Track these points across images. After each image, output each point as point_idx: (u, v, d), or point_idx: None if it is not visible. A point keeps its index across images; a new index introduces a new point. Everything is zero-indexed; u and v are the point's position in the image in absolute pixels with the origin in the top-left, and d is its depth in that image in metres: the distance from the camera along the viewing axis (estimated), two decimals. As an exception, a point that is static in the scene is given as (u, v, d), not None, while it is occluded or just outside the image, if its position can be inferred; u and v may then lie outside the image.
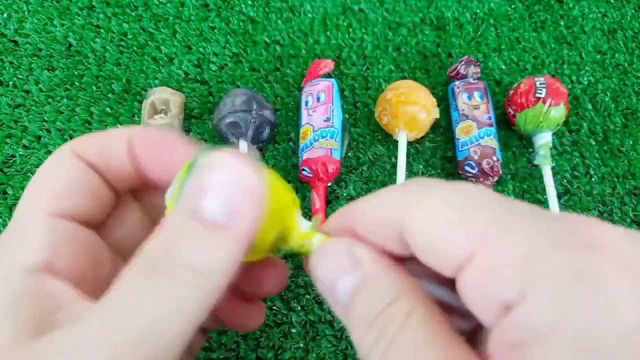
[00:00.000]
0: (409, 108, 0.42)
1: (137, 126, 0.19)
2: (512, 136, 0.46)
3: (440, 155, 0.45)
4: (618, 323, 0.10)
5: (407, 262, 0.16)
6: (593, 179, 0.44)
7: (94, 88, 0.47)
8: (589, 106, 0.48)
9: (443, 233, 0.13)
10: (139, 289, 0.13)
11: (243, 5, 0.52)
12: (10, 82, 0.47)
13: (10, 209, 0.41)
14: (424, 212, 0.13)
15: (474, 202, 0.13)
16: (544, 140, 0.43)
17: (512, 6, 0.54)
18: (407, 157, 0.44)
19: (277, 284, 0.20)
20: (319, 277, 0.16)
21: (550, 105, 0.41)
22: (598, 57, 0.51)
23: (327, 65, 0.47)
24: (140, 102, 0.46)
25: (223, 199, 0.14)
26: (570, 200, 0.43)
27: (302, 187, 0.43)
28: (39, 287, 0.14)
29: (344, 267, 0.15)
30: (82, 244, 0.16)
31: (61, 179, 0.16)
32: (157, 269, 0.13)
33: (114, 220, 0.19)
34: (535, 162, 0.43)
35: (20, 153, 0.43)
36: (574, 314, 0.11)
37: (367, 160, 0.44)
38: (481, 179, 0.42)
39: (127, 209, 0.19)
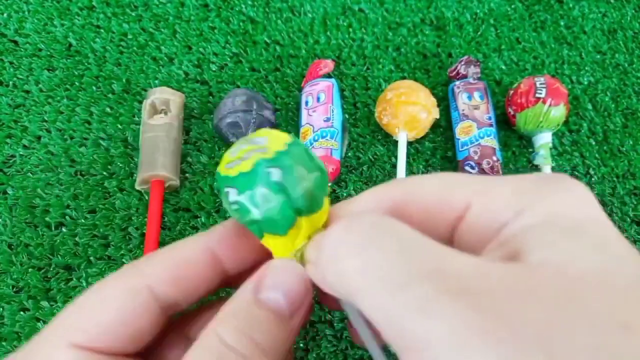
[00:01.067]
0: (409, 108, 0.42)
1: (214, 230, 0.18)
2: (512, 136, 0.46)
3: (440, 155, 0.45)
4: (592, 215, 0.14)
5: None
6: (593, 179, 0.44)
7: (94, 88, 0.47)
8: (589, 106, 0.48)
9: (445, 195, 0.16)
10: None
11: (243, 5, 0.52)
12: (10, 82, 0.47)
13: (11, 209, 0.41)
14: (425, 184, 0.16)
15: (464, 176, 0.16)
16: (544, 140, 0.43)
17: (512, 6, 0.54)
18: (407, 157, 0.44)
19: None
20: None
21: (550, 106, 0.41)
22: (598, 57, 0.51)
23: (327, 65, 0.47)
24: (140, 102, 0.46)
25: (286, 293, 0.16)
26: (570, 200, 0.43)
27: (302, 187, 0.43)
28: None
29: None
30: None
31: (112, 314, 0.15)
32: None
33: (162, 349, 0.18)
34: (535, 162, 0.43)
35: (20, 153, 0.43)
36: (557, 213, 0.14)
37: (367, 160, 0.44)
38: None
39: (175, 337, 0.19)
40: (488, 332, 0.11)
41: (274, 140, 0.17)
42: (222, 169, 0.17)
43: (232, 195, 0.16)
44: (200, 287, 0.17)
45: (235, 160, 0.17)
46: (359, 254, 0.13)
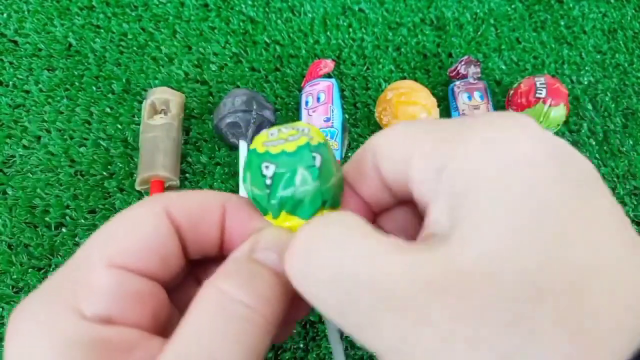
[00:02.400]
0: (409, 108, 0.42)
1: (231, 195, 0.18)
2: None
3: (440, 156, 0.45)
4: (518, 155, 0.13)
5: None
6: (593, 179, 0.44)
7: (94, 88, 0.47)
8: (589, 106, 0.48)
9: (397, 149, 0.16)
10: (202, 329, 0.14)
11: (243, 5, 0.52)
12: (10, 82, 0.47)
13: (11, 209, 0.41)
14: (383, 140, 0.17)
15: (417, 122, 0.16)
16: (544, 140, 0.43)
17: (512, 6, 0.54)
18: (407, 157, 0.44)
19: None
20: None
21: (550, 106, 0.41)
22: (598, 57, 0.51)
23: (327, 65, 0.47)
24: (140, 102, 0.46)
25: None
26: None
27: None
28: (98, 336, 0.14)
29: None
30: (144, 297, 0.16)
31: (143, 237, 0.16)
32: (218, 308, 0.15)
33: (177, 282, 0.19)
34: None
35: (20, 153, 0.43)
36: (488, 163, 0.13)
37: (367, 160, 0.44)
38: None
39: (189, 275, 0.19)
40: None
41: (316, 132, 0.18)
42: (260, 146, 0.18)
43: (269, 170, 0.17)
44: (208, 238, 0.18)
45: (278, 140, 0.17)
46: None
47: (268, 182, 0.17)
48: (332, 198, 0.17)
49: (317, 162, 0.17)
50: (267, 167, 0.17)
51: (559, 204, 0.13)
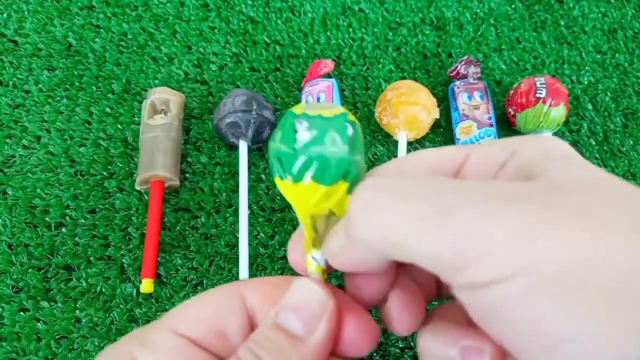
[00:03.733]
0: (409, 108, 0.42)
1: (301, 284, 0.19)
2: (513, 136, 0.46)
3: (440, 155, 0.45)
4: (564, 149, 0.16)
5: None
6: (593, 179, 0.44)
7: (94, 88, 0.47)
8: (589, 106, 0.48)
9: (439, 152, 0.18)
10: None
11: (243, 5, 0.52)
12: (10, 82, 0.47)
13: (11, 209, 0.41)
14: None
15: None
16: (544, 140, 0.43)
17: (512, 6, 0.54)
18: (407, 157, 0.44)
19: (369, 344, 0.19)
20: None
21: (550, 106, 0.41)
22: (598, 57, 0.51)
23: (327, 65, 0.47)
24: (140, 102, 0.46)
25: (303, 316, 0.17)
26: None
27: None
28: None
29: None
30: None
31: (212, 312, 0.17)
32: None
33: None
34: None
35: (20, 153, 0.43)
36: (546, 149, 0.17)
37: (367, 160, 0.44)
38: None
39: None
40: (551, 220, 0.12)
41: (352, 115, 0.18)
42: (298, 109, 0.18)
43: (303, 126, 0.17)
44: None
45: (317, 107, 0.18)
46: (394, 200, 0.14)
47: (300, 136, 0.17)
48: (355, 173, 0.17)
49: (349, 132, 0.17)
50: (301, 123, 0.17)
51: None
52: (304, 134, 0.17)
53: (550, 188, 0.13)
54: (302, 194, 0.17)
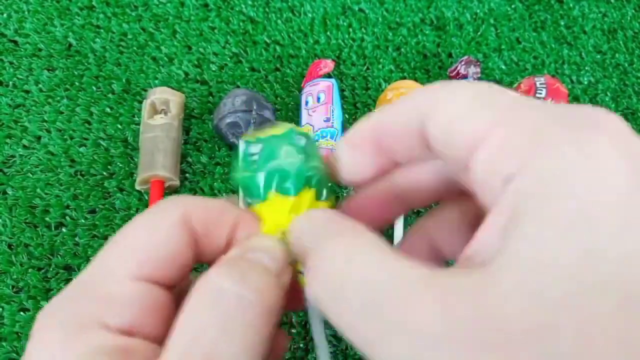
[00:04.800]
0: (409, 108, 0.42)
1: (247, 210, 0.18)
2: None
3: (440, 155, 0.45)
4: (601, 193, 0.11)
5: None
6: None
7: (94, 88, 0.47)
8: (589, 106, 0.48)
9: (462, 116, 0.13)
10: (201, 325, 0.14)
11: (243, 5, 0.52)
12: (10, 82, 0.47)
13: (11, 209, 0.41)
14: (444, 102, 0.14)
15: (493, 92, 0.14)
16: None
17: (512, 6, 0.54)
18: (407, 157, 0.44)
19: (281, 353, 0.20)
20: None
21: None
22: (598, 57, 0.51)
23: (327, 65, 0.47)
24: (140, 102, 0.46)
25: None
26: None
27: (302, 187, 0.43)
28: (122, 346, 0.15)
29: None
30: (161, 307, 0.16)
31: (161, 246, 0.16)
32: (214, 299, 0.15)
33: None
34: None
35: (20, 153, 0.43)
36: (566, 182, 0.11)
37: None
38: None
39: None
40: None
41: (304, 129, 0.20)
42: (249, 137, 0.19)
43: (256, 148, 0.18)
44: (217, 247, 0.18)
45: (268, 131, 0.19)
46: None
47: (255, 158, 0.18)
48: (318, 177, 0.18)
49: (302, 142, 0.18)
50: (255, 146, 0.18)
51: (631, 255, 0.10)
52: (258, 155, 0.18)
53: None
54: (273, 211, 0.18)
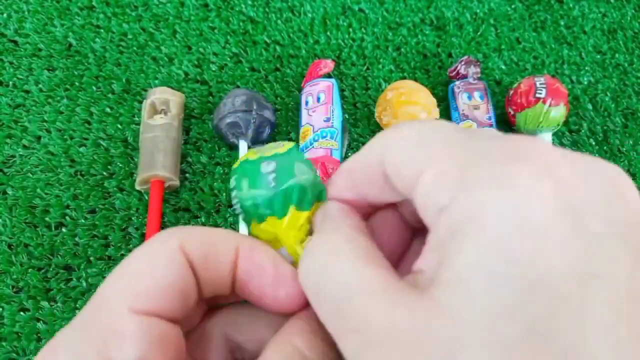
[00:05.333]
0: (409, 108, 0.42)
1: (245, 238, 0.18)
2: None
3: (440, 155, 0.45)
4: (519, 218, 0.12)
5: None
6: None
7: (94, 88, 0.47)
8: (589, 106, 0.48)
9: (405, 158, 0.15)
10: None
11: (243, 5, 0.52)
12: (10, 82, 0.47)
13: (11, 209, 0.41)
14: (394, 145, 0.16)
15: (434, 131, 0.15)
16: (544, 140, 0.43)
17: (512, 6, 0.54)
18: (407, 157, 0.44)
19: None
20: None
21: (550, 106, 0.41)
22: (598, 57, 0.51)
23: (327, 65, 0.47)
24: (140, 102, 0.46)
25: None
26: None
27: (302, 187, 0.43)
28: None
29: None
30: (168, 341, 0.16)
31: (163, 278, 0.16)
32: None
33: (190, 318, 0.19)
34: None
35: (20, 153, 0.43)
36: (486, 211, 0.12)
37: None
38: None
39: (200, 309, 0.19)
40: None
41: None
42: (251, 155, 0.19)
43: (270, 166, 0.18)
44: (220, 279, 0.18)
45: (265, 150, 0.19)
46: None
47: (272, 176, 0.18)
48: (325, 192, 0.19)
49: (305, 158, 0.19)
50: (267, 164, 0.18)
51: (558, 280, 0.11)
52: (274, 174, 0.18)
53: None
54: (288, 226, 0.18)
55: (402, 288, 0.13)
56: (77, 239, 0.40)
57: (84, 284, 0.38)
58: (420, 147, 0.15)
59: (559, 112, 0.42)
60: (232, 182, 0.19)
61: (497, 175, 0.12)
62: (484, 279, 0.12)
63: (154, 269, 0.16)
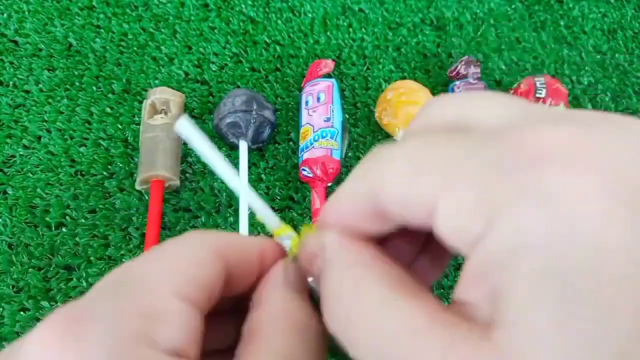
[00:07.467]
0: (409, 108, 0.42)
1: (265, 239, 0.19)
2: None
3: (440, 155, 0.45)
4: (567, 235, 0.10)
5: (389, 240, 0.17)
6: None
7: (94, 88, 0.47)
8: (589, 106, 0.48)
9: (408, 189, 0.13)
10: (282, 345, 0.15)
11: (243, 5, 0.52)
12: (10, 82, 0.47)
13: (11, 209, 0.41)
14: (389, 174, 0.14)
15: (428, 149, 0.13)
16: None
17: (512, 6, 0.54)
18: (407, 157, 0.44)
19: None
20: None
21: (550, 105, 0.41)
22: (598, 57, 0.51)
23: (327, 65, 0.47)
24: (140, 102, 0.46)
25: None
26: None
27: (302, 187, 0.43)
28: None
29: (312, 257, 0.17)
30: (201, 333, 0.16)
31: (201, 269, 0.16)
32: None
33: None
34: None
35: (20, 153, 0.43)
36: (529, 236, 0.10)
37: (367, 160, 0.44)
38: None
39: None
40: None
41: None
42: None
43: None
44: (247, 280, 0.18)
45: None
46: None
47: None
48: None
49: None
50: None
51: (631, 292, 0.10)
52: None
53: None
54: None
55: (454, 323, 0.12)
56: (77, 238, 0.40)
57: (84, 283, 0.38)
58: (421, 172, 0.13)
59: (559, 112, 0.42)
60: None
61: (526, 187, 0.11)
62: (550, 316, 0.10)
63: (196, 258, 0.16)
